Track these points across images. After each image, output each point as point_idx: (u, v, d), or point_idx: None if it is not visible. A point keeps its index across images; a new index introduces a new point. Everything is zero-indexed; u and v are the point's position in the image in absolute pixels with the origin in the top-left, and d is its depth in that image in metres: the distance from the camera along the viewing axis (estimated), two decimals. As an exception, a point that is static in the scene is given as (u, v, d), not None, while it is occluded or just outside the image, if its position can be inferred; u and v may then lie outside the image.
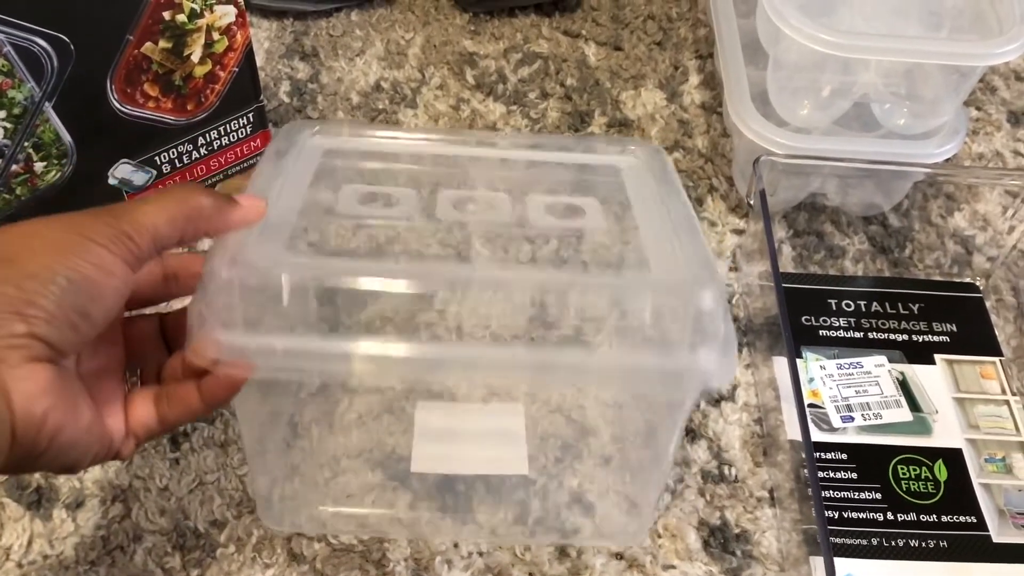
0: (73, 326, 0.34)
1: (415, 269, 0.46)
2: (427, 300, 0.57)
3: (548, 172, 0.53)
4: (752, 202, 0.58)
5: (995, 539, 0.52)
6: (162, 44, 0.53)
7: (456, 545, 0.51)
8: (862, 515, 0.52)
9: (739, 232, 0.65)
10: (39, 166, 0.53)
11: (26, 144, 0.51)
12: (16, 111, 0.50)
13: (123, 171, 0.57)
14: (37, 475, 0.51)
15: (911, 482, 0.54)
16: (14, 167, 0.52)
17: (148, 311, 0.43)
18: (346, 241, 0.55)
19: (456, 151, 0.51)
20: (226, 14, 0.54)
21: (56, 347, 0.34)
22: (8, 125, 0.50)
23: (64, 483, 0.51)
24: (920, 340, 0.60)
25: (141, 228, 0.36)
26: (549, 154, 0.51)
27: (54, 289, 0.33)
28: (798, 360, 0.58)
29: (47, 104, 0.50)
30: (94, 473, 0.52)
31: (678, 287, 0.41)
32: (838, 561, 0.51)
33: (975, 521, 0.52)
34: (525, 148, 0.51)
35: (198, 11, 0.53)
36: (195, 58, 0.55)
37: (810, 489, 0.46)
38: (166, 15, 0.52)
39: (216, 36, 0.55)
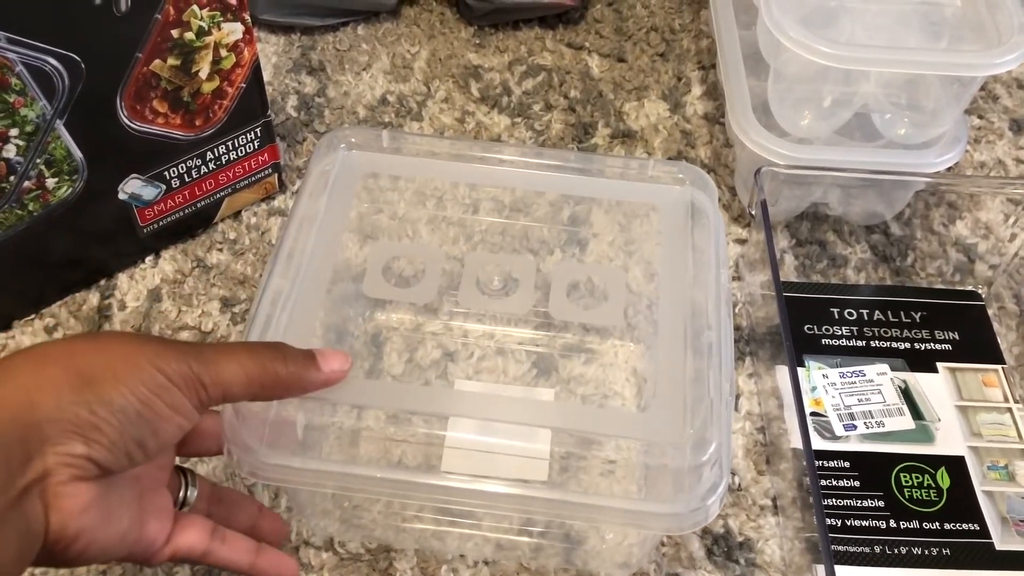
0: (129, 454, 0.35)
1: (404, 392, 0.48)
2: (433, 310, 0.58)
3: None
4: (754, 212, 0.59)
5: (998, 547, 0.52)
6: (171, 61, 0.54)
7: (462, 555, 0.51)
8: (865, 523, 0.53)
9: (742, 242, 0.65)
10: (51, 182, 0.54)
11: (38, 161, 0.52)
12: (28, 129, 0.50)
13: (133, 186, 0.58)
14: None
15: (914, 490, 0.54)
16: (26, 183, 0.53)
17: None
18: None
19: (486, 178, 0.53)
20: (233, 31, 0.55)
21: (107, 469, 0.35)
22: (21, 142, 0.51)
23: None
24: (922, 348, 0.60)
25: (217, 381, 0.37)
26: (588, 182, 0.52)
27: (122, 418, 0.34)
28: (801, 369, 0.59)
29: (58, 121, 0.51)
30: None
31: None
32: (841, 569, 0.51)
33: (978, 529, 0.53)
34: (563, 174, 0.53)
35: (206, 29, 0.54)
36: (203, 75, 0.56)
37: (812, 497, 0.47)
38: (174, 33, 0.53)
39: (224, 53, 0.56)
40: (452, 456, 0.49)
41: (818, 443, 0.56)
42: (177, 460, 0.43)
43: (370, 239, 0.54)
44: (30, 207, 0.54)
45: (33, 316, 0.59)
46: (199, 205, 0.62)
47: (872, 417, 0.57)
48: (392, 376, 0.55)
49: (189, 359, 0.36)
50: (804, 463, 0.48)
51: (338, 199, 0.50)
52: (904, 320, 0.62)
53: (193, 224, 0.63)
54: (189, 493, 0.42)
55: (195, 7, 0.52)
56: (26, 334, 0.58)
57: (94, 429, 0.34)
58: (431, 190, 0.56)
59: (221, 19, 0.54)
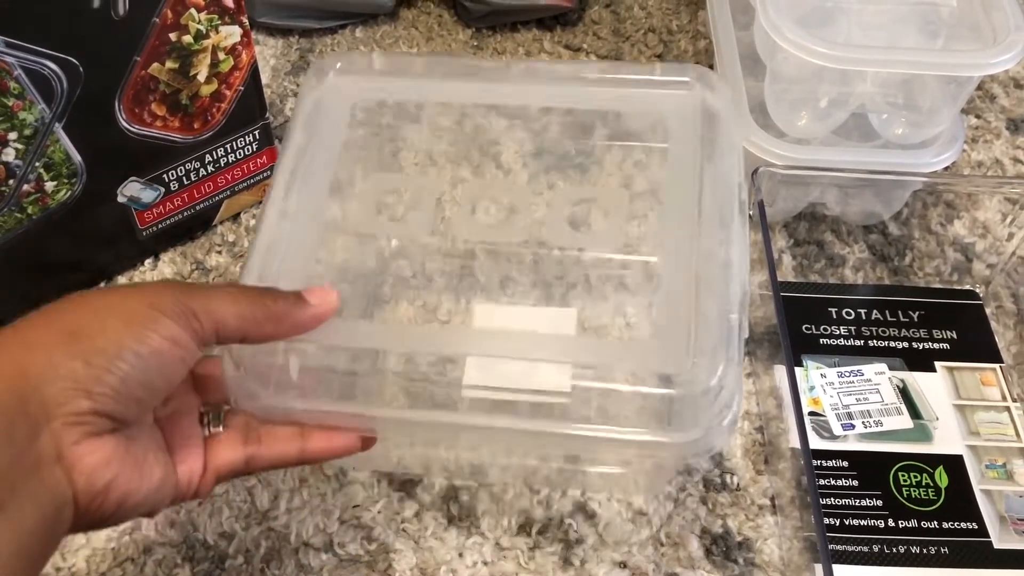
0: (138, 400, 0.35)
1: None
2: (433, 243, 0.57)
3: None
4: (751, 212, 0.59)
5: (996, 545, 0.52)
6: (169, 65, 0.54)
7: (461, 555, 0.51)
8: (863, 522, 0.53)
9: (740, 242, 0.66)
10: (50, 185, 0.54)
11: (37, 164, 0.52)
12: (27, 132, 0.51)
13: (132, 189, 0.58)
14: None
15: (912, 489, 0.54)
16: (25, 186, 0.53)
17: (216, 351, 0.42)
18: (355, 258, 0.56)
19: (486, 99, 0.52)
20: (231, 35, 0.55)
21: (119, 419, 0.34)
22: (20, 146, 0.51)
23: (76, 496, 0.52)
24: (920, 347, 0.60)
25: (208, 311, 0.36)
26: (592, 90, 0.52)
27: (122, 365, 0.34)
28: (799, 368, 0.59)
29: (57, 125, 0.52)
30: (105, 486, 0.53)
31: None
32: (840, 568, 0.51)
33: (976, 527, 0.53)
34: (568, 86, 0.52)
35: (204, 32, 0.54)
36: (201, 78, 0.56)
37: (810, 497, 0.47)
38: (172, 36, 0.53)
39: (222, 56, 0.56)
40: (467, 392, 0.48)
41: (816, 443, 0.56)
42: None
43: (366, 172, 0.53)
44: (29, 210, 0.54)
45: (33, 319, 0.59)
46: (198, 208, 0.62)
47: (870, 416, 0.57)
48: (399, 315, 0.54)
49: (177, 292, 0.36)
50: (802, 463, 0.48)
51: (330, 129, 0.49)
52: (902, 319, 0.62)
53: (192, 226, 0.64)
54: (212, 431, 0.41)
55: (193, 11, 0.53)
56: (26, 337, 0.59)
57: (95, 381, 0.33)
58: (428, 114, 0.55)
59: (219, 22, 0.54)
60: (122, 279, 0.62)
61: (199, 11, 0.53)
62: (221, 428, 0.41)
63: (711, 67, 0.76)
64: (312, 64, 0.52)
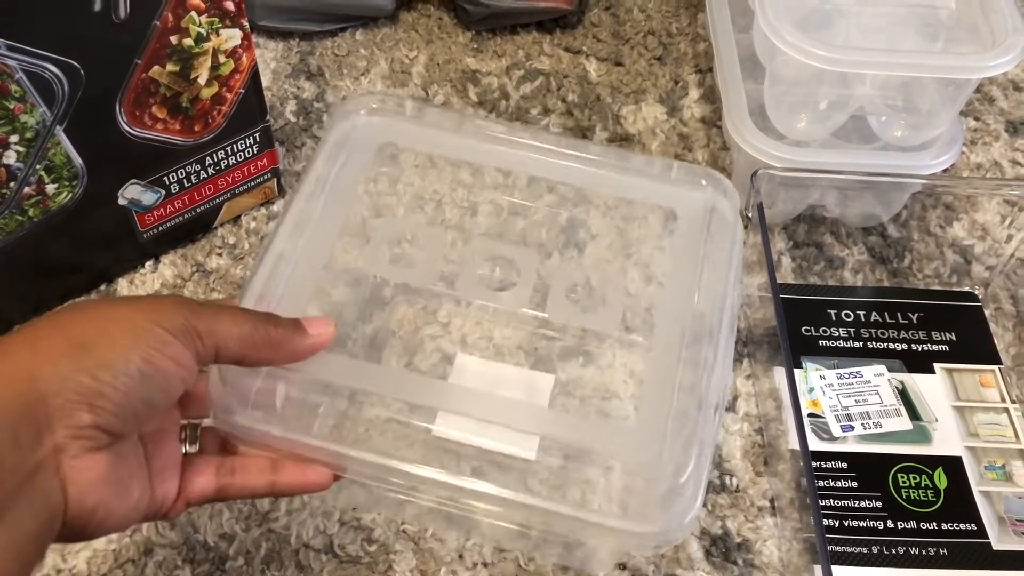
0: (136, 414, 0.35)
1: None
2: (431, 313, 0.58)
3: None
4: (750, 215, 0.59)
5: (995, 546, 0.52)
6: (169, 67, 0.54)
7: (461, 556, 0.51)
8: (862, 523, 0.53)
9: (739, 244, 0.66)
10: (51, 188, 0.54)
11: (38, 167, 0.52)
12: (28, 135, 0.51)
13: (132, 191, 0.58)
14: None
15: (911, 490, 0.54)
16: (26, 189, 0.53)
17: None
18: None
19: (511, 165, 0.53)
20: (231, 37, 0.55)
21: (116, 434, 0.35)
22: (21, 148, 0.51)
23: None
24: (919, 349, 0.60)
25: (212, 333, 0.37)
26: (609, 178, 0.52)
27: (126, 380, 0.34)
28: (798, 370, 0.59)
29: (58, 127, 0.52)
30: (106, 488, 0.53)
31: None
32: (839, 569, 0.51)
33: (975, 528, 0.53)
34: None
35: (204, 35, 0.54)
36: (202, 80, 0.56)
37: (809, 498, 0.47)
38: (173, 39, 0.53)
39: (222, 59, 0.56)
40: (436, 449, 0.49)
41: (816, 444, 0.56)
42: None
43: (377, 215, 0.54)
44: (30, 213, 0.54)
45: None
46: (198, 210, 0.63)
47: (869, 418, 0.57)
48: (391, 360, 0.55)
49: (184, 311, 0.36)
50: (801, 464, 0.48)
51: (350, 168, 0.50)
52: (901, 321, 0.62)
53: (193, 229, 0.64)
54: (188, 448, 0.42)
55: (194, 14, 0.53)
56: (27, 339, 0.59)
57: (99, 395, 0.33)
58: (444, 170, 0.57)
59: (220, 25, 0.54)
60: (123, 281, 0.62)
61: (200, 14, 0.53)
62: (197, 446, 0.42)
63: (711, 69, 0.76)
64: (344, 100, 0.53)
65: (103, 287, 0.62)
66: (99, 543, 0.51)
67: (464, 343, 0.57)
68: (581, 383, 0.56)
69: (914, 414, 0.57)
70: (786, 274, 0.65)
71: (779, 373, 0.55)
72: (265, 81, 0.74)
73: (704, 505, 0.54)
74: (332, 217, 0.49)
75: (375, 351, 0.56)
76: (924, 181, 0.62)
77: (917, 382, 0.59)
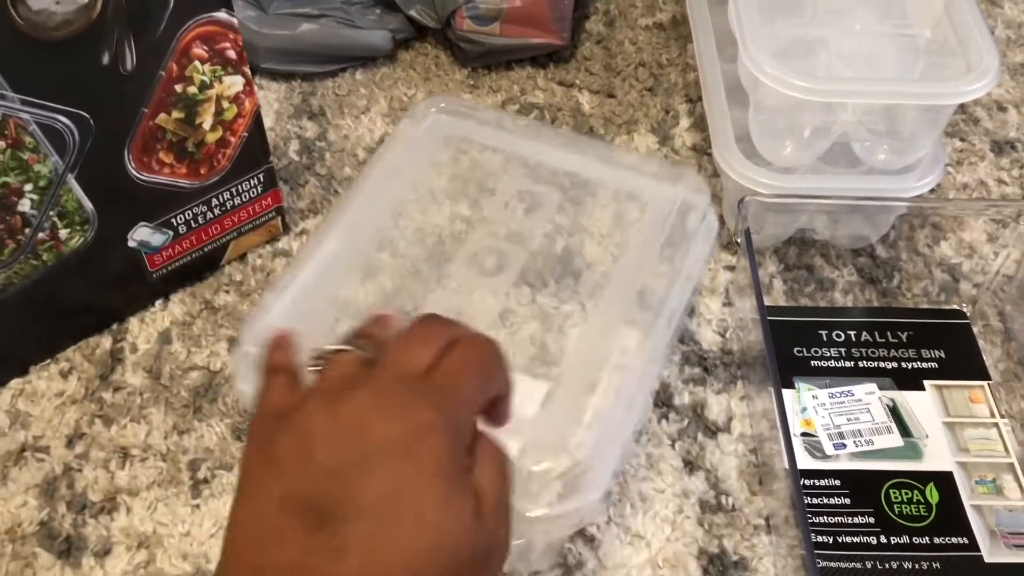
0: None
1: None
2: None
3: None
4: (739, 240, 0.61)
5: (987, 559, 0.53)
6: (175, 115, 0.56)
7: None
8: (856, 539, 0.54)
9: (731, 268, 0.67)
10: (63, 233, 0.56)
11: (51, 213, 0.55)
12: (42, 183, 0.53)
13: (142, 234, 0.60)
14: (66, 524, 0.54)
15: (903, 506, 0.55)
16: (40, 235, 0.55)
17: None
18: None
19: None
20: (234, 84, 0.58)
21: None
22: (35, 196, 0.53)
23: (92, 532, 0.54)
24: (909, 367, 0.62)
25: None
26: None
27: None
28: (791, 390, 0.60)
29: (70, 175, 0.54)
30: (120, 521, 0.55)
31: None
32: (833, 585, 0.52)
33: (967, 542, 0.54)
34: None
35: (208, 83, 0.57)
36: (206, 126, 0.58)
37: (798, 514, 0.48)
38: (178, 88, 0.55)
39: (225, 105, 0.58)
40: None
41: (809, 462, 0.57)
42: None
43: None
44: (44, 257, 0.56)
45: (48, 361, 0.62)
46: (206, 249, 0.65)
47: (861, 436, 0.58)
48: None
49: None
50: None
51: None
52: (891, 340, 0.63)
53: (200, 268, 0.66)
54: None
55: (197, 63, 0.55)
56: (42, 378, 0.61)
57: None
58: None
59: (222, 73, 0.57)
60: (134, 320, 0.64)
61: (203, 63, 0.55)
62: None
63: (700, 98, 0.78)
64: (414, 105, 0.63)
65: (115, 326, 0.64)
66: (114, 575, 0.53)
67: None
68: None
69: (905, 431, 0.59)
70: (778, 297, 0.66)
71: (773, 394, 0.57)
72: (268, 121, 0.76)
73: (701, 525, 0.55)
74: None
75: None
76: (910, 203, 0.64)
77: (907, 399, 0.60)
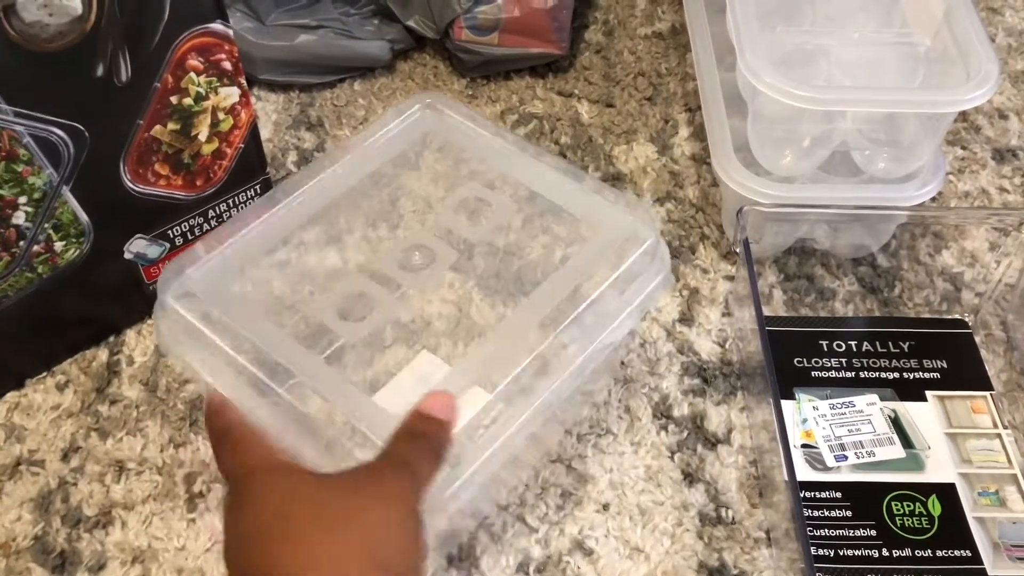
0: None
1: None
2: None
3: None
4: (738, 250, 0.60)
5: (990, 572, 0.53)
6: (171, 126, 0.56)
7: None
8: (857, 552, 0.53)
9: (730, 278, 0.67)
10: (59, 245, 0.56)
11: (46, 225, 0.55)
12: (36, 196, 0.53)
13: (138, 246, 0.60)
14: (60, 539, 0.54)
15: (905, 518, 0.55)
16: (36, 247, 0.55)
17: None
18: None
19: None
20: (230, 95, 0.58)
21: None
22: (29, 209, 0.53)
23: (86, 547, 0.54)
24: (911, 377, 0.61)
25: (425, 482, 0.40)
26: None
27: (419, 568, 0.37)
28: (791, 401, 0.60)
29: (65, 188, 0.54)
30: (115, 536, 0.54)
31: None
32: (835, 598, 0.52)
33: (970, 555, 0.53)
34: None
35: (203, 94, 0.56)
36: (202, 137, 0.58)
37: (797, 527, 0.48)
38: (173, 99, 0.55)
39: (221, 116, 0.58)
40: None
41: (810, 474, 0.57)
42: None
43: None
44: (40, 270, 0.56)
45: (45, 374, 0.61)
46: (203, 261, 0.65)
47: (862, 447, 0.58)
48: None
49: (409, 482, 0.39)
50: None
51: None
52: (892, 350, 0.63)
53: (197, 279, 0.66)
54: None
55: (192, 75, 0.55)
56: (38, 391, 0.61)
57: None
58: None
59: (218, 84, 0.57)
60: (131, 332, 0.64)
61: (198, 75, 0.55)
62: None
63: (700, 107, 0.78)
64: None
65: (111, 338, 0.63)
66: (109, 590, 0.52)
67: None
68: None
69: (907, 442, 0.58)
70: (778, 307, 0.66)
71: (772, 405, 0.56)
72: (266, 132, 0.76)
73: (700, 538, 0.54)
74: None
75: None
76: (911, 212, 0.63)
77: (909, 410, 0.60)
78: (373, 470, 0.39)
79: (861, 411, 0.59)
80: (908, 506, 0.55)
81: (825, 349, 0.63)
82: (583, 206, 0.55)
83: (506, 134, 0.59)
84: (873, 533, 0.54)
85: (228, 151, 0.60)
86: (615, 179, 0.73)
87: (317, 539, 0.34)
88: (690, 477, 0.57)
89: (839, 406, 0.60)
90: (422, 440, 0.41)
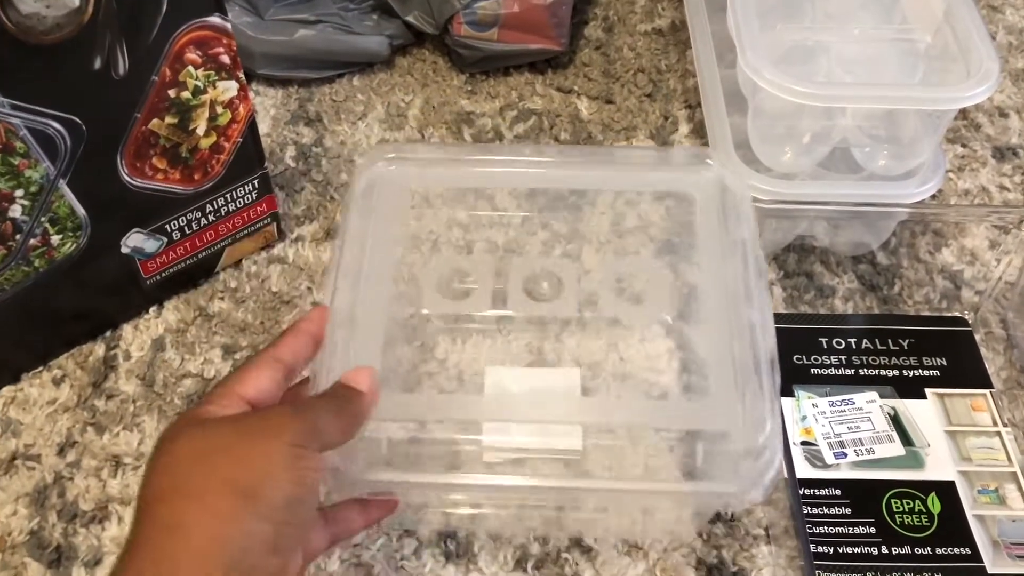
0: (305, 528, 0.38)
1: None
2: (429, 350, 0.59)
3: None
4: (738, 247, 0.60)
5: (990, 570, 0.52)
6: (168, 120, 0.56)
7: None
8: (857, 550, 0.53)
9: (730, 275, 0.67)
10: (55, 239, 0.56)
11: (43, 219, 0.54)
12: (33, 189, 0.53)
13: (135, 240, 0.60)
14: (56, 534, 0.54)
15: (905, 515, 0.55)
16: (32, 241, 0.55)
17: None
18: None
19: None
20: (228, 89, 0.57)
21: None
22: (26, 202, 0.53)
23: (82, 542, 0.53)
24: (911, 375, 0.61)
25: (322, 433, 0.40)
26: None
27: (298, 511, 0.37)
28: (791, 399, 0.60)
29: (62, 181, 0.54)
30: (111, 531, 0.54)
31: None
32: (834, 596, 0.52)
33: (969, 553, 0.53)
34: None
35: (202, 88, 0.56)
36: (200, 131, 0.58)
37: (796, 524, 0.48)
38: (171, 93, 0.55)
39: (219, 110, 0.58)
40: (493, 455, 0.52)
41: (809, 472, 0.56)
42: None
43: (418, 252, 0.59)
44: (36, 264, 0.56)
45: (41, 368, 0.61)
46: (200, 256, 0.64)
47: (862, 445, 0.57)
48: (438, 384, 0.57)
49: (302, 423, 0.39)
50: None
51: (383, 215, 0.53)
52: (892, 348, 0.63)
53: (195, 274, 0.65)
54: None
55: (191, 68, 0.55)
56: (34, 386, 0.60)
57: (281, 536, 0.36)
58: (463, 199, 0.61)
59: (216, 78, 0.56)
60: (127, 327, 0.63)
61: (196, 68, 0.55)
62: None
63: (700, 104, 0.78)
64: (365, 154, 0.60)
65: (108, 333, 0.63)
66: (105, 585, 0.52)
67: (460, 378, 0.58)
68: (605, 368, 0.57)
69: (906, 440, 0.58)
70: (777, 304, 0.65)
71: (770, 402, 0.56)
72: (265, 127, 0.76)
73: (699, 535, 0.54)
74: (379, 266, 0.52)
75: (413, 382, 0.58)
76: (911, 209, 0.63)
77: (909, 408, 0.59)
78: (266, 412, 0.40)
79: (861, 408, 0.59)
80: (908, 504, 0.55)
81: (825, 346, 0.63)
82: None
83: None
84: (872, 531, 0.54)
85: (226, 145, 0.60)
86: (614, 175, 0.73)
87: (186, 468, 0.37)
88: (689, 475, 0.57)
89: (839, 403, 0.59)
90: (334, 401, 0.42)
